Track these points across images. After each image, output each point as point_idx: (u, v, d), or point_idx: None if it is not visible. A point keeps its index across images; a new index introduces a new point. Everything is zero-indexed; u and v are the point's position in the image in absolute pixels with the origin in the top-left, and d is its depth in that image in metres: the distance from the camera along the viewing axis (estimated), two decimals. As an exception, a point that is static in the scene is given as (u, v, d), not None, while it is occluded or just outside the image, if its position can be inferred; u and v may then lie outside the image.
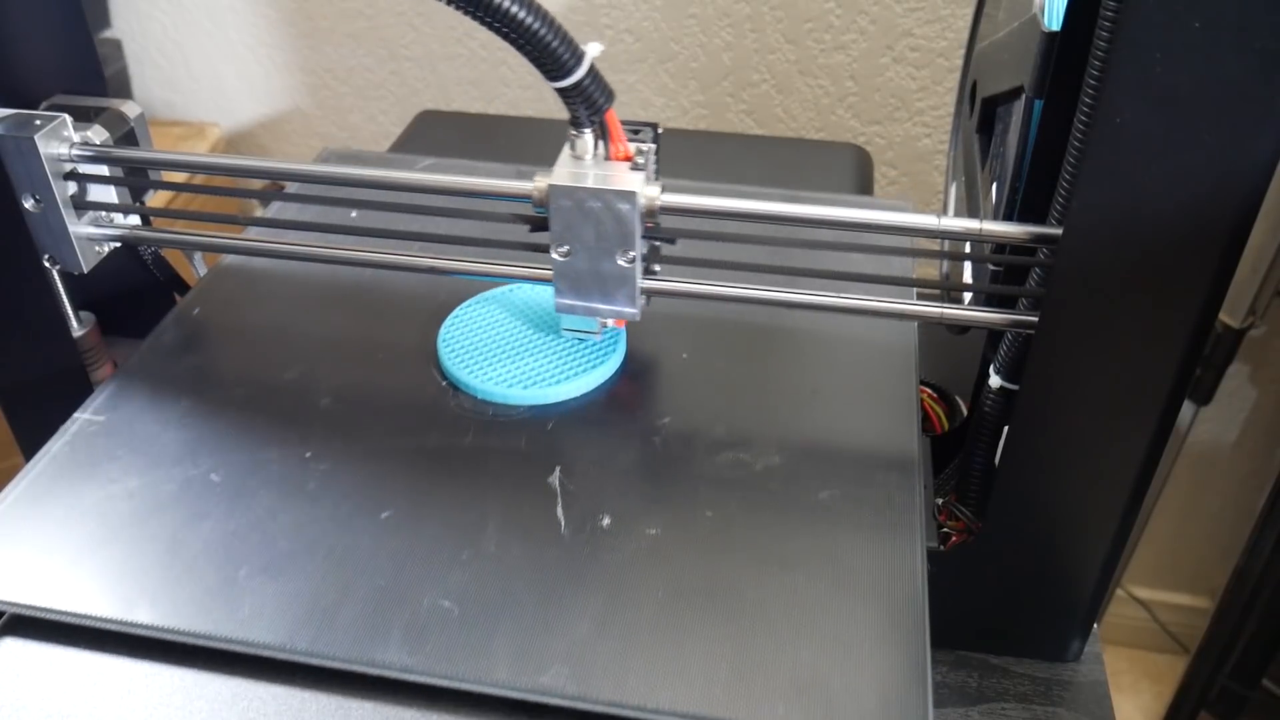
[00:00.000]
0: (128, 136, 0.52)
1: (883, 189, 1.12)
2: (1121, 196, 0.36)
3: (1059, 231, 0.39)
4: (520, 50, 0.40)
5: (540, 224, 0.45)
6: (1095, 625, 0.50)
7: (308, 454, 0.46)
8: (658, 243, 0.47)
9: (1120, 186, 0.36)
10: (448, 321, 0.53)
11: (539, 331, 0.52)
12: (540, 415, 0.48)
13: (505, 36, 0.40)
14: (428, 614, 0.39)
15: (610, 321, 0.49)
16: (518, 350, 0.51)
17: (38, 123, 0.47)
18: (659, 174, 0.47)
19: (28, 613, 0.40)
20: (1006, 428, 0.45)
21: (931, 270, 0.94)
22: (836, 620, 0.39)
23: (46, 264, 0.51)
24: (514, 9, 0.39)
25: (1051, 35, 0.41)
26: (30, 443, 0.56)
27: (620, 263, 0.45)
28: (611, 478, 0.45)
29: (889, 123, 1.09)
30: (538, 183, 0.44)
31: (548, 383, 0.49)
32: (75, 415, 0.48)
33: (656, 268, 0.47)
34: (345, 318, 0.55)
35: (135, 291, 0.58)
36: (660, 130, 0.47)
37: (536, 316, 0.53)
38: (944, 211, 0.60)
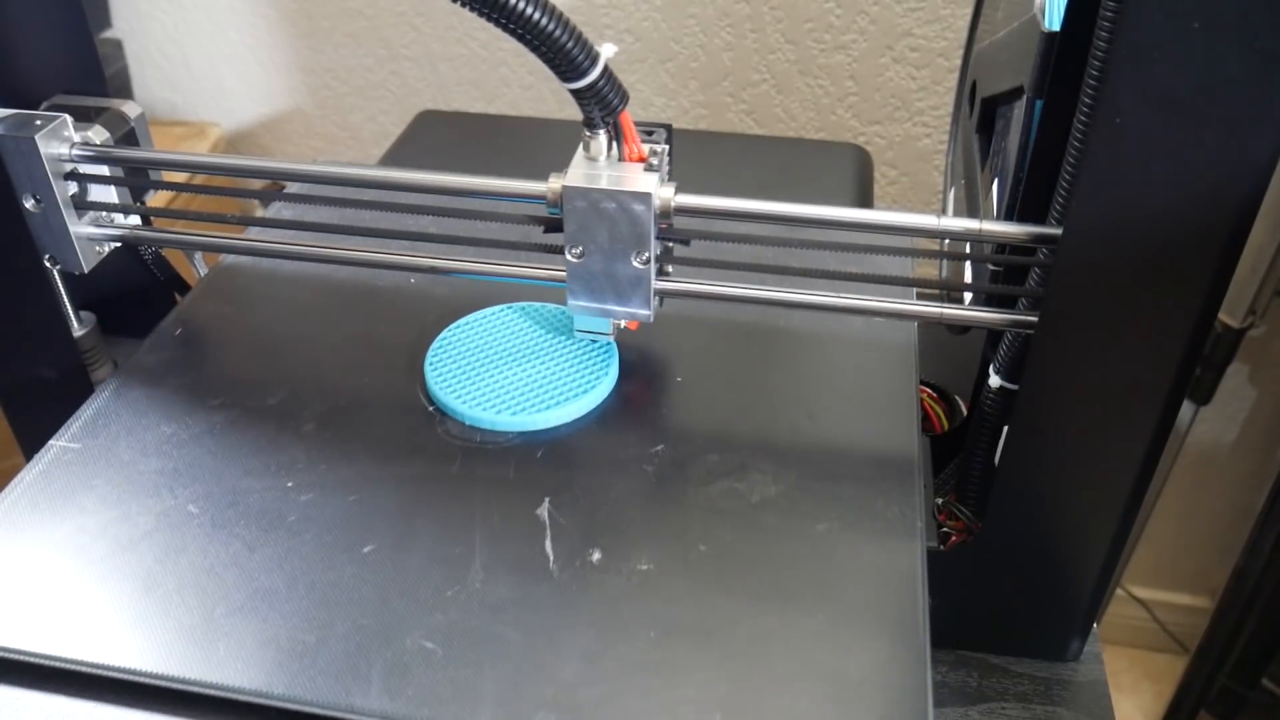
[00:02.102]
0: (128, 136, 0.52)
1: (883, 189, 1.12)
2: (1121, 196, 0.36)
3: (1059, 231, 0.39)
4: (535, 51, 0.40)
5: (553, 225, 0.45)
6: (1095, 625, 0.50)
7: (289, 484, 0.45)
8: (671, 244, 0.47)
9: (1120, 186, 0.36)
10: (435, 344, 0.51)
11: (528, 355, 0.51)
12: (530, 442, 0.47)
13: (520, 38, 0.40)
14: (411, 655, 0.38)
15: (624, 323, 0.49)
16: (506, 374, 0.50)
17: (38, 123, 0.47)
18: (673, 175, 0.47)
19: None
20: (1006, 428, 0.45)
21: (931, 270, 0.94)
22: (835, 658, 0.38)
23: (47, 264, 0.51)
24: (528, 10, 0.38)
25: (1051, 35, 0.41)
26: (30, 443, 0.56)
27: (635, 264, 0.45)
28: (602, 509, 0.44)
29: (889, 123, 1.09)
30: (552, 184, 0.44)
31: (537, 408, 0.48)
32: (50, 443, 0.47)
33: (669, 269, 0.47)
34: (337, 328, 0.54)
35: (135, 291, 0.58)
36: (672, 129, 0.47)
37: (526, 339, 0.52)
38: (944, 212, 0.60)
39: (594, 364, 0.50)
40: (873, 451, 0.46)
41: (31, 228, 0.49)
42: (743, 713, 0.36)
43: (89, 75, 0.53)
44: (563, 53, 0.40)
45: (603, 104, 0.42)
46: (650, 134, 0.46)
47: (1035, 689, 0.49)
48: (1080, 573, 0.47)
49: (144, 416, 0.48)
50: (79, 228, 0.50)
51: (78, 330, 0.54)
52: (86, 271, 0.51)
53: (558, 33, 0.39)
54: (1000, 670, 0.50)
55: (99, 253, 0.52)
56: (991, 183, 0.50)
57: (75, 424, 0.48)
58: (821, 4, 1.04)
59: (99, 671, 0.38)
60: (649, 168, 0.44)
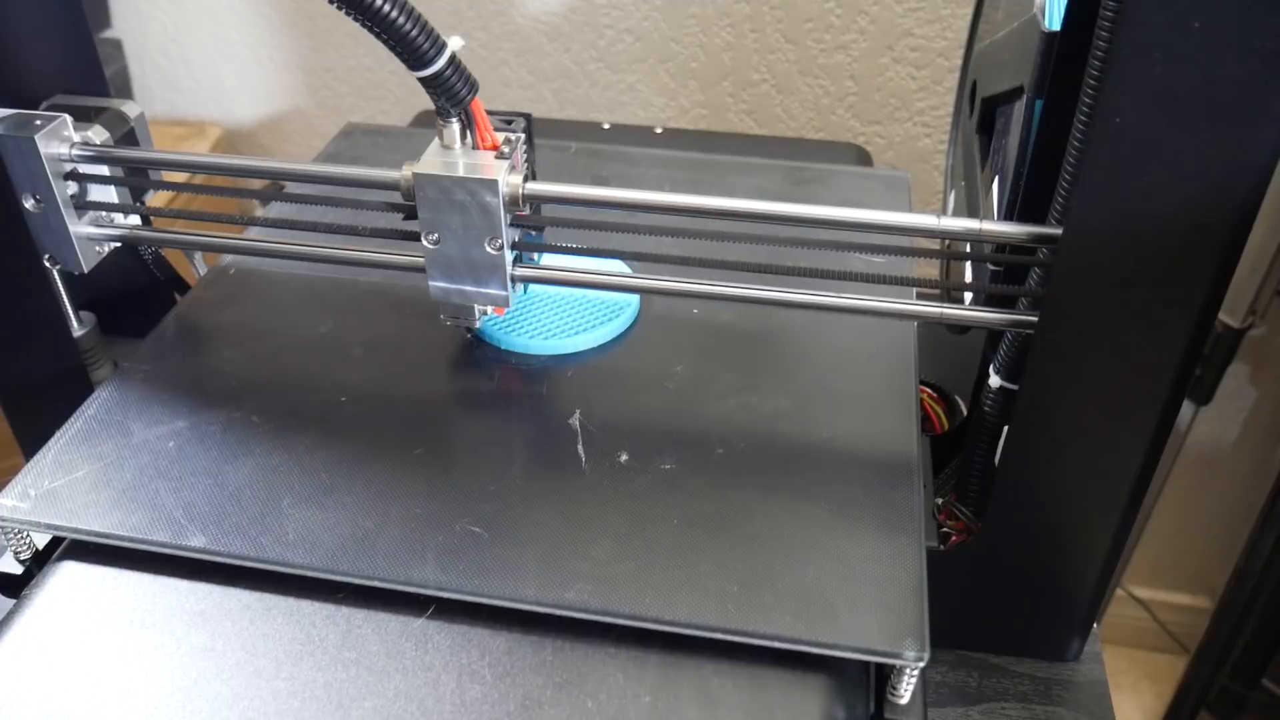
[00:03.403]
0: (128, 136, 0.52)
1: (883, 189, 1.12)
2: (1121, 196, 0.36)
3: (1059, 231, 0.39)
4: (380, 40, 0.41)
5: (413, 212, 0.46)
6: (1095, 625, 0.50)
7: (343, 398, 0.49)
8: (531, 230, 0.48)
9: (1120, 186, 0.36)
10: None
11: (557, 289, 0.54)
12: (560, 364, 0.51)
13: (366, 27, 0.40)
14: (460, 538, 0.42)
15: (489, 309, 0.50)
16: (537, 305, 0.53)
17: (38, 123, 0.47)
18: (530, 162, 0.48)
19: (86, 538, 0.43)
20: (1006, 428, 0.45)
21: (931, 270, 0.94)
22: (840, 541, 0.42)
23: (47, 264, 0.51)
24: (375, 1, 0.39)
25: (1051, 35, 0.41)
26: (30, 443, 0.56)
27: (489, 250, 0.46)
28: (628, 419, 0.48)
29: (889, 123, 1.09)
30: (404, 172, 0.45)
31: (567, 334, 0.52)
32: (120, 367, 0.51)
33: (535, 256, 0.49)
34: (361, 299, 0.56)
35: (136, 291, 0.58)
36: (531, 118, 0.48)
37: None
38: (944, 212, 0.60)
39: (618, 296, 0.54)
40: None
41: (31, 228, 0.49)
42: (757, 583, 0.40)
43: (89, 75, 0.53)
44: (406, 42, 0.41)
45: (450, 95, 0.43)
46: (509, 123, 0.47)
47: (1035, 689, 0.49)
48: (1080, 573, 0.47)
49: (205, 343, 0.52)
50: (79, 228, 0.50)
51: (78, 330, 0.54)
52: (86, 271, 0.51)
53: (401, 21, 0.40)
54: (1000, 670, 0.50)
55: (99, 253, 0.52)
56: (991, 182, 0.50)
57: (143, 350, 0.52)
58: (821, 4, 1.04)
59: (183, 553, 0.42)
60: (500, 155, 0.45)
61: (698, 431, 0.47)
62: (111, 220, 0.51)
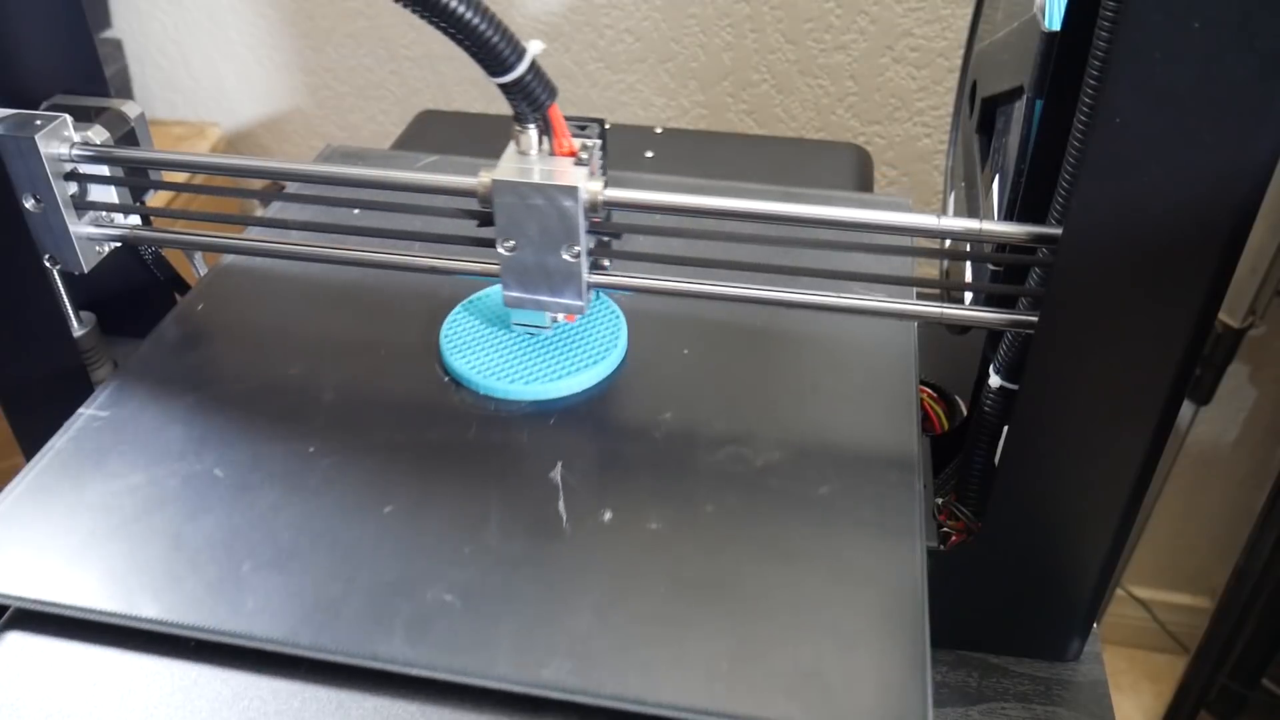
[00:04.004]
0: (128, 136, 0.52)
1: (883, 189, 1.12)
2: (1121, 196, 0.36)
3: (1059, 231, 0.39)
4: (462, 46, 0.40)
5: (487, 219, 0.46)
6: (1095, 625, 0.50)
7: (311, 449, 0.46)
8: (606, 237, 0.47)
9: (1120, 186, 0.36)
10: (450, 317, 0.53)
11: (539, 328, 0.52)
12: (542, 410, 0.48)
13: (447, 33, 0.40)
14: (431, 608, 0.39)
15: (560, 316, 0.49)
16: (520, 346, 0.51)
17: (38, 123, 0.47)
18: (606, 169, 0.47)
19: (32, 607, 0.40)
20: (1006, 428, 0.45)
21: (932, 270, 0.94)
22: (837, 613, 0.39)
23: (47, 264, 0.51)
24: (455, 5, 0.39)
25: (1051, 35, 0.41)
26: (30, 443, 0.56)
27: (565, 257, 0.45)
28: (613, 472, 0.45)
29: (889, 123, 1.09)
30: (482, 178, 0.44)
31: (549, 378, 0.49)
32: (79, 411, 0.48)
33: (606, 262, 0.48)
34: (346, 316, 0.55)
35: (135, 291, 0.58)
36: (607, 126, 0.47)
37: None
38: (944, 212, 0.60)
39: (603, 337, 0.52)
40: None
41: (31, 228, 0.49)
42: (749, 661, 0.38)
43: (89, 75, 0.53)
44: (489, 47, 0.40)
45: (530, 99, 0.43)
46: (583, 128, 0.46)
47: (1035, 689, 0.49)
48: (1080, 573, 0.47)
49: (167, 388, 0.49)
50: (79, 228, 0.50)
51: (78, 330, 0.54)
52: (86, 271, 0.51)
53: (483, 27, 0.40)
54: (1000, 670, 0.50)
55: (99, 253, 0.52)
56: (991, 182, 0.50)
57: (103, 395, 0.49)
58: (821, 4, 1.04)
59: (133, 624, 0.39)
60: (579, 162, 0.44)
61: (687, 486, 0.44)
62: (111, 220, 0.51)
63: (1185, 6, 0.33)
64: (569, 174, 0.44)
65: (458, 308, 0.54)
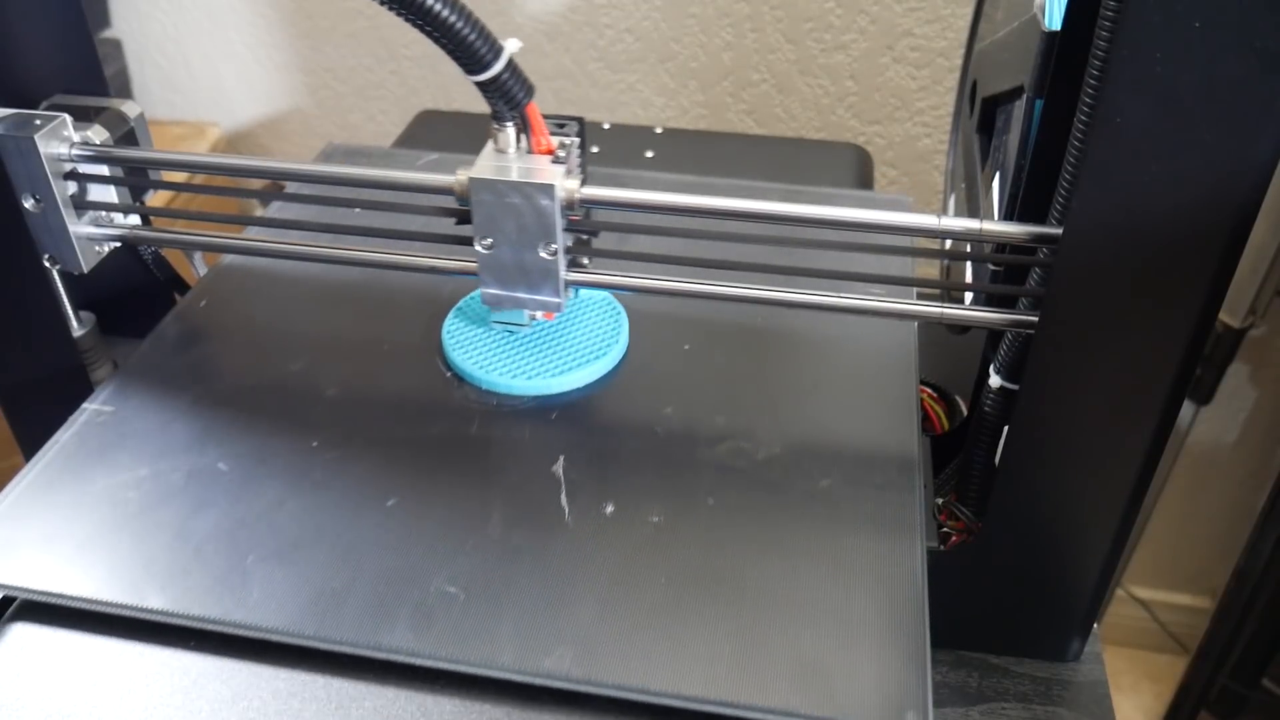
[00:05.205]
0: (128, 136, 0.52)
1: (883, 189, 1.12)
2: (1121, 196, 0.36)
3: (1059, 231, 0.39)
4: (439, 44, 0.41)
5: (466, 217, 0.46)
6: (1095, 625, 0.50)
7: (314, 443, 0.46)
8: (585, 235, 0.47)
9: (1120, 186, 0.36)
10: (452, 314, 0.53)
11: (542, 323, 0.53)
12: (544, 406, 0.49)
13: (425, 31, 0.40)
14: (434, 599, 0.40)
15: (540, 314, 0.49)
16: (521, 342, 0.51)
17: (38, 122, 0.47)
18: (584, 167, 0.47)
19: (38, 598, 0.41)
20: (1006, 428, 0.45)
21: (932, 270, 0.94)
22: (837, 604, 0.40)
23: (46, 264, 0.51)
24: (433, 4, 0.39)
25: (1051, 35, 0.41)
26: (30, 443, 0.56)
27: (543, 255, 0.45)
28: (615, 466, 0.46)
29: (889, 123, 1.09)
30: (459, 176, 0.44)
31: (551, 374, 0.49)
32: (84, 406, 0.49)
33: (585, 260, 0.48)
34: (348, 314, 0.55)
35: (135, 291, 0.58)
36: (584, 122, 0.47)
37: None
38: (944, 212, 0.60)
39: (605, 332, 0.52)
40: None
41: (31, 228, 0.49)
42: (748, 652, 0.38)
43: (89, 75, 0.53)
44: (465, 46, 0.40)
45: (507, 98, 0.43)
46: (562, 126, 0.46)
47: (1035, 689, 0.49)
48: (1080, 573, 0.47)
49: (171, 384, 0.50)
50: (79, 228, 0.50)
51: (78, 330, 0.54)
52: (86, 271, 0.51)
53: (461, 26, 0.40)
54: (1000, 670, 0.50)
55: (99, 253, 0.52)
56: (991, 182, 0.50)
57: (107, 391, 0.50)
58: (821, 4, 1.04)
59: (139, 615, 0.40)
60: (556, 160, 0.45)
61: (687, 479, 0.45)
62: (111, 220, 0.51)
63: (1185, 6, 0.33)
64: (546, 172, 0.44)
65: (459, 304, 0.54)
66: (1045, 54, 0.41)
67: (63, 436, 0.47)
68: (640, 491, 0.44)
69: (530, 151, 0.45)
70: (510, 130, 0.45)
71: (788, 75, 1.08)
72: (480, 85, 0.42)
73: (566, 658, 0.38)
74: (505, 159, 0.45)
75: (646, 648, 0.38)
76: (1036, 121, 0.43)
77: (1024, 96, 0.43)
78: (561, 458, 0.46)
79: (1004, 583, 0.48)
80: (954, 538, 0.50)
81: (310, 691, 0.38)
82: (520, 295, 0.47)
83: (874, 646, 0.38)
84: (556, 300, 0.47)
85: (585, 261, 0.48)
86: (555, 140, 0.45)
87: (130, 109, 0.52)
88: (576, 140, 0.46)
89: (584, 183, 0.44)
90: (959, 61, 0.65)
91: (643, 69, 1.12)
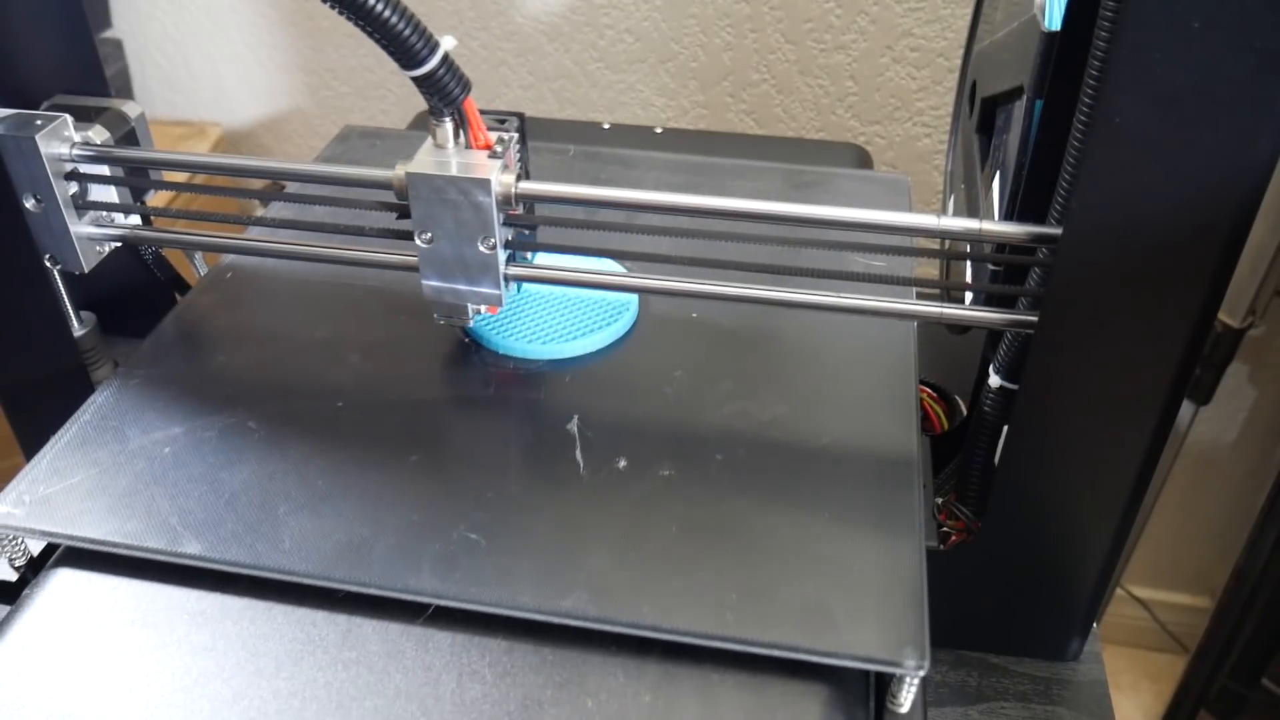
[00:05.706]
0: (128, 136, 0.52)
1: (883, 189, 1.12)
2: (1121, 196, 0.36)
3: (1059, 231, 0.39)
4: (373, 39, 0.41)
5: (406, 211, 0.46)
6: (1095, 625, 0.50)
7: (339, 404, 0.48)
8: (526, 230, 0.48)
9: (1120, 186, 0.36)
10: None
11: (556, 291, 0.54)
12: (558, 369, 0.51)
13: (359, 26, 0.40)
14: (457, 545, 0.42)
15: (483, 308, 0.50)
16: (537, 308, 0.53)
17: (39, 123, 0.47)
18: (523, 161, 0.48)
19: (81, 545, 0.43)
20: (1006, 427, 0.45)
21: (932, 270, 0.94)
22: (840, 549, 0.41)
23: (47, 264, 0.51)
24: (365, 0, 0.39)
25: (1051, 35, 0.41)
26: (30, 443, 0.57)
27: (481, 249, 0.46)
28: (627, 425, 0.47)
29: (889, 123, 1.09)
30: (397, 171, 0.45)
31: (565, 339, 0.51)
32: (118, 369, 0.50)
33: (528, 255, 0.49)
34: (353, 310, 0.55)
35: (136, 291, 0.58)
36: (524, 117, 0.47)
37: None
38: (944, 212, 0.60)
39: (617, 300, 0.54)
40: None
41: (31, 228, 0.49)
42: (755, 595, 0.40)
43: (89, 75, 0.53)
44: (399, 41, 0.41)
45: (443, 94, 0.44)
46: (502, 122, 0.47)
47: (1035, 689, 0.49)
48: (1080, 573, 0.47)
49: (201, 349, 0.52)
50: (79, 228, 0.50)
51: (78, 330, 0.54)
52: (86, 271, 0.51)
53: (394, 21, 0.40)
54: (1000, 670, 0.50)
55: (99, 253, 0.52)
56: (991, 182, 0.50)
57: (139, 354, 0.51)
58: (821, 4, 1.04)
59: (177, 560, 0.42)
60: (493, 155, 0.45)
61: (697, 437, 0.46)
62: (112, 220, 0.51)
63: (1185, 6, 0.33)
64: (483, 167, 0.44)
65: None
66: (1045, 54, 0.41)
67: (98, 398, 0.49)
68: (651, 447, 0.46)
69: (469, 147, 0.45)
70: (448, 125, 0.45)
71: (788, 75, 1.08)
72: (416, 81, 0.43)
73: (583, 599, 0.39)
74: (444, 154, 0.45)
75: (658, 590, 0.40)
76: (1036, 122, 0.43)
77: (1024, 97, 0.43)
78: (576, 417, 0.47)
79: (1003, 582, 0.48)
80: (954, 537, 0.50)
81: (343, 630, 0.40)
82: (460, 288, 0.47)
83: (874, 592, 0.40)
84: (496, 293, 0.47)
85: (530, 256, 0.49)
86: (494, 135, 0.46)
87: (131, 109, 0.52)
88: (516, 135, 0.47)
89: (521, 178, 0.45)
90: (959, 61, 0.65)
91: (643, 69, 1.12)
